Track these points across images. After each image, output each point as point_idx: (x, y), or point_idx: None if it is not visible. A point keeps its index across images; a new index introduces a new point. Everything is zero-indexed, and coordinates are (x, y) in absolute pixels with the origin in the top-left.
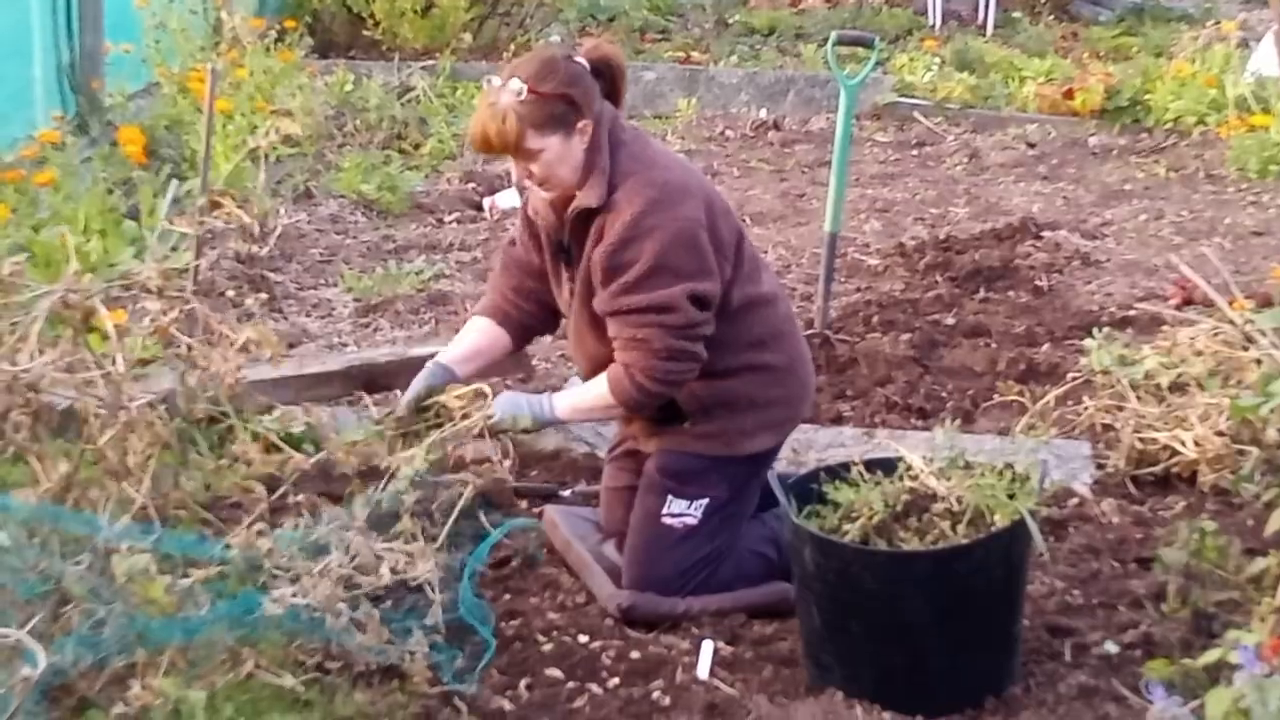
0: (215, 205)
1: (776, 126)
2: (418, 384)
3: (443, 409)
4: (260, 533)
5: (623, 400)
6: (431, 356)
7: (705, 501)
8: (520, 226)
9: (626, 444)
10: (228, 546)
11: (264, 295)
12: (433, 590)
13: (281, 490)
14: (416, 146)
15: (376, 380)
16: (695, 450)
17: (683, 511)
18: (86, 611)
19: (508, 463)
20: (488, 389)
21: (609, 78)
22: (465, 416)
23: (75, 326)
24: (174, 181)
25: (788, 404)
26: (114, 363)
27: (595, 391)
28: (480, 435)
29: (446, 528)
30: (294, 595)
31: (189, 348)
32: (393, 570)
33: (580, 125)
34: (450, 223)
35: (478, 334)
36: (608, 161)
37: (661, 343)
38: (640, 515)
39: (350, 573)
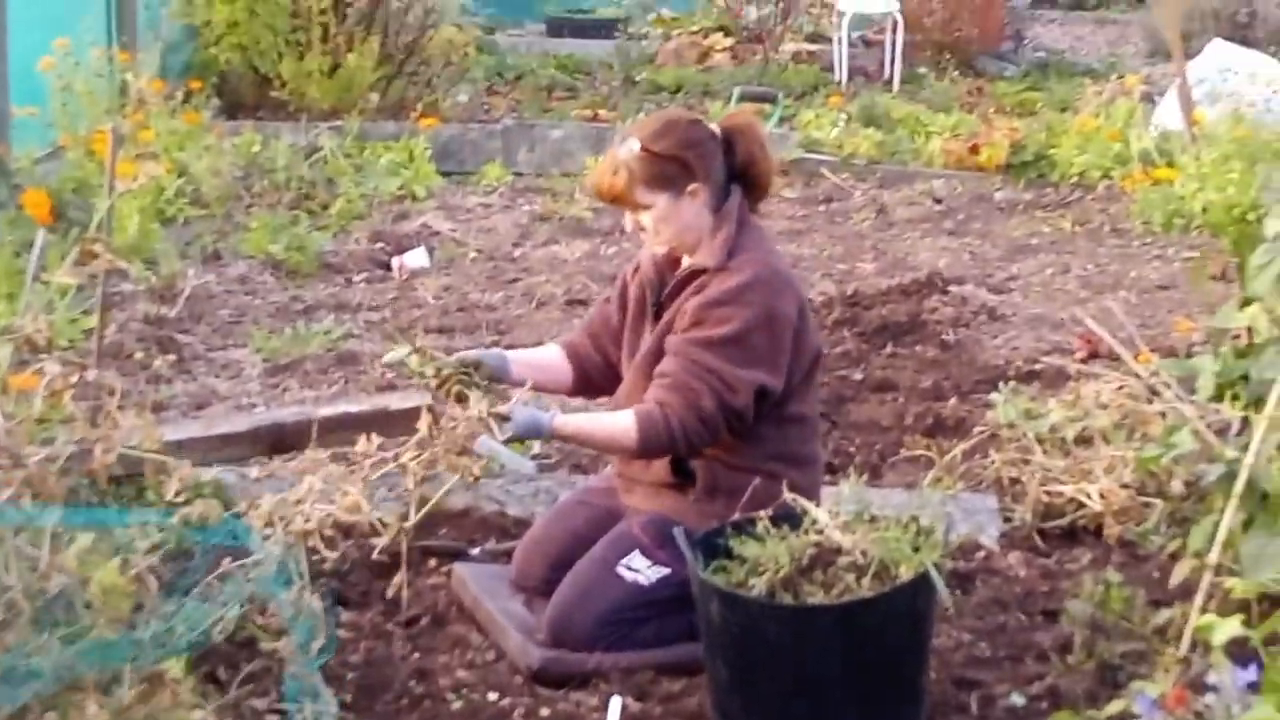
0: (91, 255)
1: None
2: (474, 352)
3: (474, 385)
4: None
5: (645, 436)
6: (341, 416)
7: (666, 572)
8: (615, 285)
9: (593, 496)
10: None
11: (172, 356)
12: None
13: None
14: (325, 207)
15: (284, 440)
16: (687, 523)
17: (639, 569)
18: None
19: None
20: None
21: (740, 149)
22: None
23: None
24: (41, 232)
25: None
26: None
27: (618, 424)
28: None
29: None
30: None
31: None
32: None
33: (690, 188)
34: (359, 282)
35: (547, 355)
36: (734, 233)
37: (711, 405)
38: (594, 559)
39: None
